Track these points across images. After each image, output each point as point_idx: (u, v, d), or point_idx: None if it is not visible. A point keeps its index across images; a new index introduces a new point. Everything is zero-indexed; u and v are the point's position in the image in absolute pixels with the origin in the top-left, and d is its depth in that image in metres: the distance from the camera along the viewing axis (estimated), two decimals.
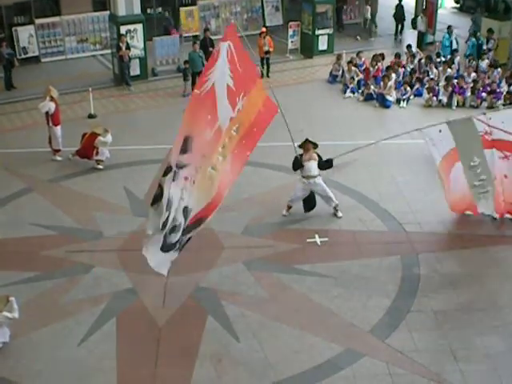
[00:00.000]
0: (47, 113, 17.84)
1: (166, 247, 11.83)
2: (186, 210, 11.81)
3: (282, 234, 14.66)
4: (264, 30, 25.35)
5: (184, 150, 11.80)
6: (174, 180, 11.62)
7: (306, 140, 14.92)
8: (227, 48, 12.70)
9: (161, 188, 11.65)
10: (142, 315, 12.18)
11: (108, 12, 24.97)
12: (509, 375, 10.83)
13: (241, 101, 12.70)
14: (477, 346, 11.38)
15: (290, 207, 15.22)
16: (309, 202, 15.17)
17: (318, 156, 14.92)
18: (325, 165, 14.98)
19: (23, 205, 15.90)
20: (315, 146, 14.95)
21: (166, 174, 11.67)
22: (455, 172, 14.17)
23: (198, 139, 11.92)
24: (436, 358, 11.13)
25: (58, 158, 18.06)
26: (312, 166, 14.80)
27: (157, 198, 11.70)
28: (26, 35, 25.77)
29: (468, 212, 14.82)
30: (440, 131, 13.89)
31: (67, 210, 15.60)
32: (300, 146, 14.91)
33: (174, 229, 11.78)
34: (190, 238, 12.10)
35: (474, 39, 25.63)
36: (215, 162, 12.12)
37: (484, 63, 23.68)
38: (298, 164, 14.90)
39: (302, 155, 14.86)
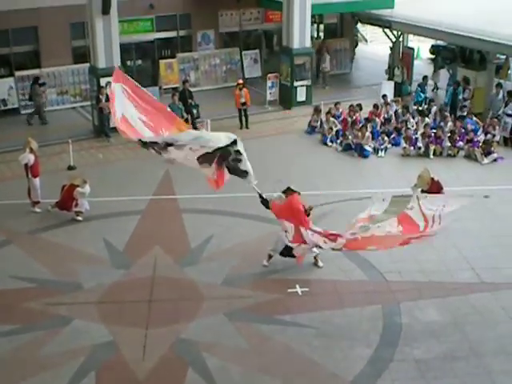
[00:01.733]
0: (26, 164, 17.84)
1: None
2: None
3: (262, 284, 14.62)
4: (241, 81, 25.64)
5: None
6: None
7: (288, 188, 14.80)
8: (122, 89, 13.96)
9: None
10: (121, 369, 12.02)
11: (88, 64, 25.15)
12: None
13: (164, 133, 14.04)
14: None
15: (270, 256, 15.16)
16: (288, 249, 15.03)
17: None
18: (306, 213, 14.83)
19: (2, 257, 15.77)
20: (297, 193, 14.78)
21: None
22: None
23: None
24: None
25: (37, 210, 17.99)
26: None
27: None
28: (5, 87, 25.87)
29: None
30: (383, 200, 13.65)
31: (46, 262, 15.49)
32: (283, 192, 14.82)
33: None
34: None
35: (451, 88, 26.08)
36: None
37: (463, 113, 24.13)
38: (267, 204, 14.78)
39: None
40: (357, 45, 36.49)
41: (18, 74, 26.27)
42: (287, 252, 15.02)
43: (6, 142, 22.63)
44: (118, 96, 13.85)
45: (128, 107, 13.88)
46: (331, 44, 32.10)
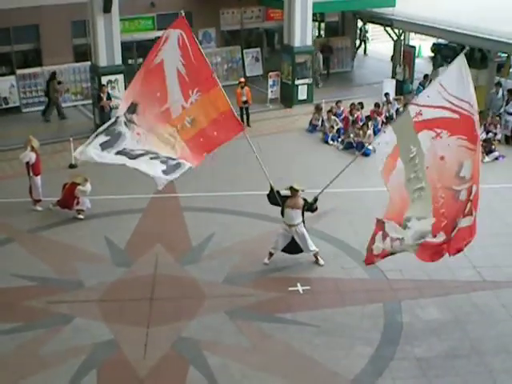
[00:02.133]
0: (28, 163, 17.84)
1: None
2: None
3: (263, 282, 14.62)
4: (242, 80, 25.64)
5: (132, 110, 13.32)
6: (127, 127, 13.32)
7: (291, 187, 14.70)
8: (179, 36, 13.31)
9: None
10: (122, 367, 12.02)
11: (89, 63, 25.17)
12: None
13: (195, 95, 13.47)
14: None
15: (271, 254, 15.16)
16: (289, 246, 15.08)
17: (304, 200, 14.77)
18: (312, 206, 14.86)
19: (3, 255, 15.78)
20: (301, 191, 14.75)
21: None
22: (394, 177, 13.34)
23: (145, 109, 13.36)
24: None
25: (39, 208, 18.00)
26: (294, 214, 14.70)
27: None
28: (7, 85, 25.87)
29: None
30: (384, 132, 13.68)
31: (48, 260, 15.50)
32: (289, 189, 14.75)
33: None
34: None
35: None
36: (167, 136, 13.42)
37: None
38: (273, 198, 14.82)
39: (286, 197, 14.71)
40: (365, 45, 36.51)
41: (19, 72, 26.28)
42: (289, 249, 15.04)
43: (8, 140, 22.66)
44: (170, 42, 13.42)
45: (174, 55, 13.47)
46: (333, 42, 32.16)
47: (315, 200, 14.88)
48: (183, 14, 13.67)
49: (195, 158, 13.78)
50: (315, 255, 15.13)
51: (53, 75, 25.64)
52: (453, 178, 12.54)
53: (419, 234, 12.66)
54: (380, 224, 13.05)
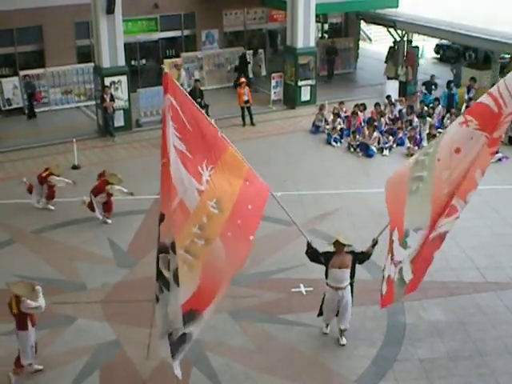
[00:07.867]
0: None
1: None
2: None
3: (267, 283, 14.61)
4: (243, 79, 25.63)
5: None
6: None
7: (337, 241, 12.18)
8: (169, 103, 10.36)
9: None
10: (125, 367, 12.03)
11: (92, 64, 25.20)
12: None
13: (207, 171, 10.50)
14: None
15: (328, 325, 12.95)
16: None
17: (353, 253, 12.39)
18: (370, 253, 12.40)
19: (7, 256, 15.79)
20: (348, 245, 12.32)
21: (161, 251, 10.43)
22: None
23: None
24: None
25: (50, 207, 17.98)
26: (342, 275, 12.23)
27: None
28: (10, 86, 25.91)
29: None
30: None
31: (51, 261, 15.51)
32: (333, 244, 12.37)
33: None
34: (184, 335, 10.48)
35: (446, 90, 25.93)
36: (189, 244, 10.13)
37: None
38: (313, 256, 12.54)
39: (331, 254, 12.35)
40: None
41: (22, 73, 26.31)
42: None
43: (11, 141, 22.68)
44: (167, 116, 10.36)
45: (170, 131, 10.30)
46: (337, 43, 32.16)
47: (375, 244, 12.32)
48: (166, 71, 11.15)
49: (238, 255, 10.86)
50: (342, 331, 12.74)
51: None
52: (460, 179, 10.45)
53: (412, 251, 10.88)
54: (390, 243, 11.19)
